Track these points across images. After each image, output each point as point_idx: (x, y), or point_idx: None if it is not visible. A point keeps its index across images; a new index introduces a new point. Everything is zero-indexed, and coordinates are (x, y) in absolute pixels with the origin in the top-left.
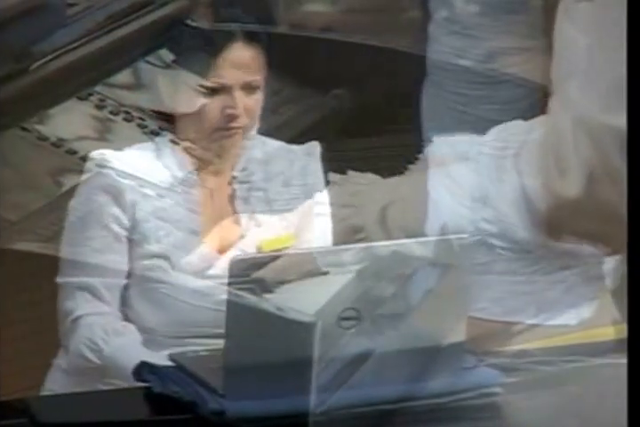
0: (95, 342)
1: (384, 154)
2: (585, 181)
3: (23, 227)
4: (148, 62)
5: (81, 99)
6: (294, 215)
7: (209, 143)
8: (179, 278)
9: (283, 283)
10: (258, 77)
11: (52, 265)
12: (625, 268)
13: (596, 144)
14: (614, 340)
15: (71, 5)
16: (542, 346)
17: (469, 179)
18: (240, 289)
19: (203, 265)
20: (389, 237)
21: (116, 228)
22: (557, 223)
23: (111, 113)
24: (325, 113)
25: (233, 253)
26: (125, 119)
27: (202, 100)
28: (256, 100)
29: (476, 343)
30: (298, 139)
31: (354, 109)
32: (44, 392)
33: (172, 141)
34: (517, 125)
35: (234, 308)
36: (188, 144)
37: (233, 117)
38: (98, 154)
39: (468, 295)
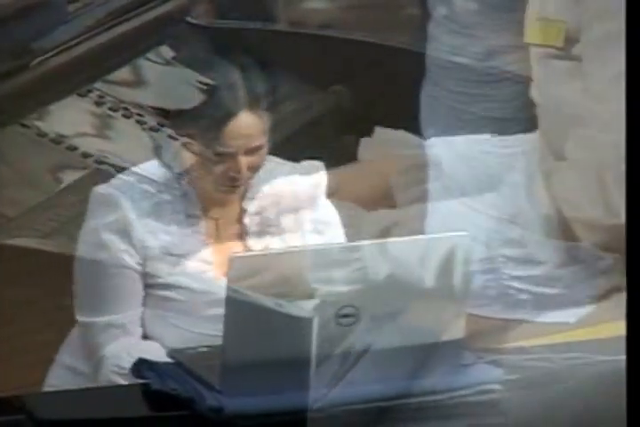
0: (123, 367)
1: (384, 151)
2: (600, 203)
3: (22, 223)
4: (148, 59)
5: (80, 95)
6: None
7: (213, 189)
8: (188, 308)
9: (283, 279)
10: (262, 139)
11: (50, 261)
12: (623, 266)
13: (609, 166)
14: (613, 337)
15: (72, 2)
16: (541, 343)
17: (468, 177)
18: (240, 285)
19: (213, 293)
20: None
21: (131, 263)
22: (602, 245)
23: (110, 109)
24: (324, 109)
25: None
26: (124, 115)
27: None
28: (260, 158)
29: (476, 340)
30: (296, 135)
31: (352, 106)
32: (46, 388)
33: (170, 137)
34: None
35: (232, 304)
36: (186, 140)
37: (235, 179)
38: (102, 188)
39: (467, 292)
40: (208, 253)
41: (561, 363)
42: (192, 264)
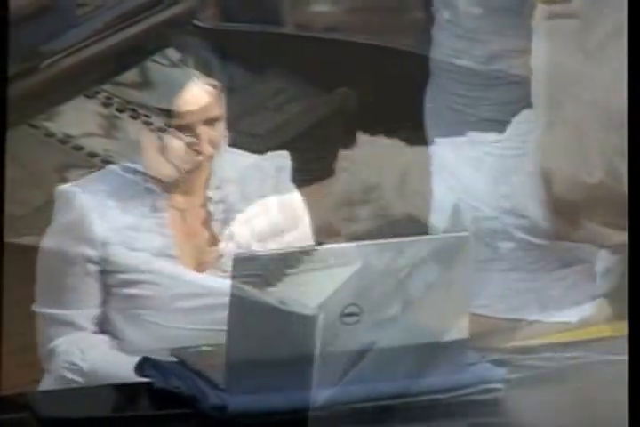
0: (74, 363)
1: (387, 153)
2: (605, 168)
3: (29, 222)
4: (155, 61)
5: (88, 96)
6: (274, 237)
7: (177, 170)
8: (159, 303)
9: (285, 276)
10: (219, 111)
11: None
12: (624, 266)
13: (615, 132)
14: (615, 337)
15: (81, 6)
16: (543, 343)
17: (473, 178)
18: (243, 282)
19: (182, 287)
20: (405, 201)
21: (86, 264)
22: (575, 209)
23: (117, 110)
24: (329, 111)
25: (213, 273)
26: (131, 116)
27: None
28: (219, 131)
29: (479, 340)
30: (302, 137)
31: (357, 108)
32: (44, 386)
33: (177, 137)
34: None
35: (236, 301)
36: (190, 140)
37: (197, 153)
38: (63, 186)
39: (469, 292)
40: (173, 245)
41: (563, 362)
42: (156, 258)
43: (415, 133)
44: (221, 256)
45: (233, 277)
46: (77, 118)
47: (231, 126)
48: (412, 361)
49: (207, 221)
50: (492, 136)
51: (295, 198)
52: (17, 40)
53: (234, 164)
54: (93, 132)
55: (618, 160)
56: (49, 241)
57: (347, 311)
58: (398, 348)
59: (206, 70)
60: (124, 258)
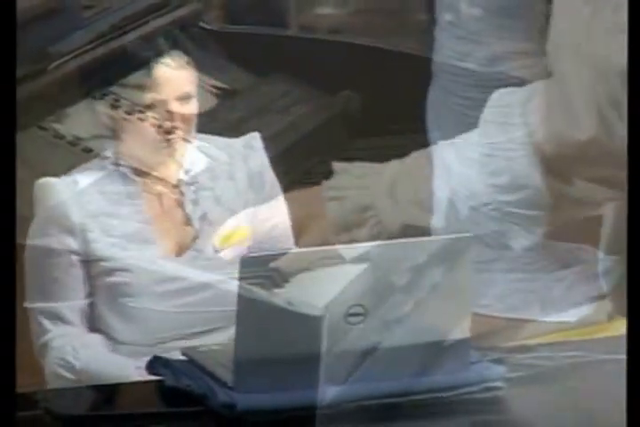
0: (67, 360)
1: (391, 155)
2: (595, 120)
3: None
4: (162, 63)
5: (96, 98)
6: (245, 212)
7: (150, 153)
8: (142, 288)
9: (293, 275)
10: (191, 87)
11: None
12: (623, 267)
13: (601, 79)
14: (614, 336)
15: (88, 8)
16: (543, 342)
17: (474, 180)
18: (250, 284)
19: (162, 271)
20: (400, 211)
21: (68, 254)
22: (568, 169)
23: (126, 112)
24: (334, 114)
25: (190, 255)
26: (139, 118)
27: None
28: (192, 109)
29: (480, 339)
30: (306, 139)
31: (362, 110)
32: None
33: (185, 139)
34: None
35: (244, 302)
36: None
37: (171, 129)
38: (41, 180)
39: (472, 292)
40: (150, 231)
41: (562, 361)
42: (134, 244)
43: (417, 136)
44: (197, 237)
45: (240, 279)
46: (86, 120)
47: (236, 129)
48: (416, 360)
49: (180, 203)
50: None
51: (265, 174)
52: (25, 42)
53: (203, 145)
54: (102, 134)
55: (609, 111)
56: (32, 235)
57: (351, 311)
58: (402, 347)
59: (178, 48)
60: (103, 245)
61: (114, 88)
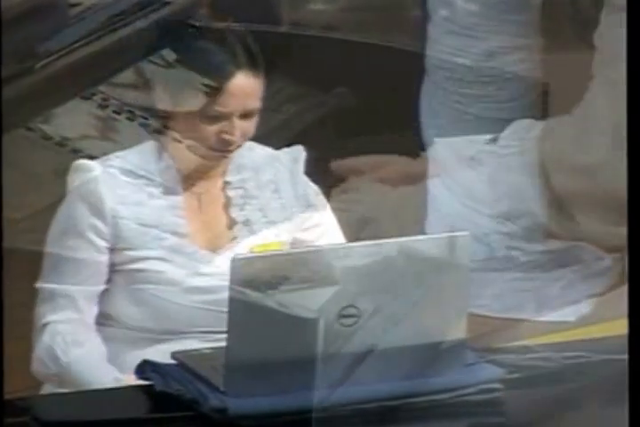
0: (54, 351)
1: (385, 152)
2: (607, 146)
3: (27, 226)
4: (151, 62)
5: (84, 98)
6: (288, 225)
7: (201, 159)
8: (167, 279)
9: (285, 276)
10: (257, 105)
11: None
12: (622, 265)
13: (617, 110)
14: (613, 336)
15: (74, 5)
16: (542, 342)
17: (470, 178)
18: (242, 285)
19: (191, 265)
20: (400, 229)
21: (95, 239)
22: (574, 197)
23: (114, 112)
24: (327, 111)
25: (226, 255)
26: (128, 118)
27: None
28: (252, 124)
29: (477, 340)
30: (299, 137)
31: (355, 108)
32: (46, 390)
33: (175, 139)
34: (518, 124)
35: (236, 304)
36: (190, 143)
37: (229, 143)
38: (81, 161)
39: (468, 291)
40: (185, 225)
41: (561, 362)
42: (167, 235)
43: (412, 133)
44: (235, 238)
45: (232, 279)
46: (74, 121)
47: None
48: (412, 362)
49: (226, 206)
50: (489, 135)
51: (311, 190)
52: (10, 41)
53: (251, 152)
54: (90, 135)
55: (617, 137)
56: (61, 213)
57: (344, 313)
58: (398, 349)
59: (253, 62)
60: (135, 233)
61: (102, 87)
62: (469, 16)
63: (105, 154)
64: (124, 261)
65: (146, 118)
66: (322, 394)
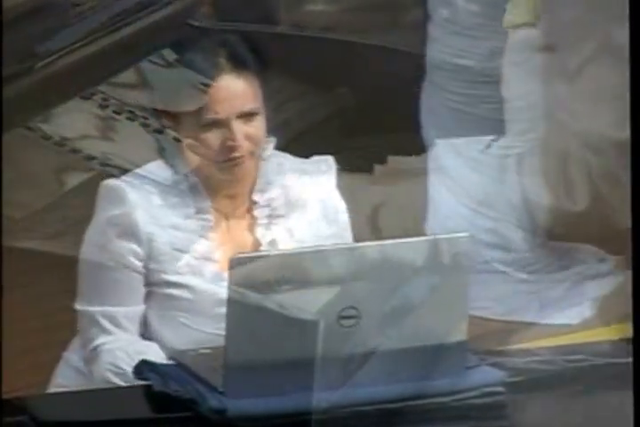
0: (119, 366)
1: (385, 152)
2: (591, 195)
3: (27, 225)
4: (151, 61)
5: (84, 98)
6: (313, 243)
7: (218, 172)
8: (198, 308)
9: (284, 277)
10: (254, 105)
11: (55, 263)
12: (624, 268)
13: (601, 157)
14: (617, 339)
15: (75, 5)
16: (544, 345)
17: (471, 179)
18: (241, 286)
19: (220, 293)
20: (378, 237)
21: (133, 261)
22: (559, 231)
23: (114, 112)
24: (327, 111)
25: None
26: (128, 118)
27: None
28: (257, 126)
29: (478, 342)
30: (300, 136)
31: (356, 107)
32: (53, 387)
33: (175, 139)
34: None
35: (234, 305)
36: (190, 142)
37: (233, 149)
38: (111, 181)
39: (469, 293)
40: (215, 249)
41: (564, 365)
42: (198, 261)
43: (412, 133)
44: None
45: (230, 280)
46: (74, 120)
47: None
48: (412, 364)
49: (252, 226)
50: (490, 136)
51: (339, 206)
52: (10, 40)
53: (279, 167)
54: (90, 135)
55: (603, 185)
56: (94, 235)
57: (344, 314)
58: (398, 351)
59: (238, 63)
60: (168, 258)
61: (102, 87)
62: (471, 16)
63: (105, 154)
64: (156, 282)
65: (146, 118)
66: (321, 396)
